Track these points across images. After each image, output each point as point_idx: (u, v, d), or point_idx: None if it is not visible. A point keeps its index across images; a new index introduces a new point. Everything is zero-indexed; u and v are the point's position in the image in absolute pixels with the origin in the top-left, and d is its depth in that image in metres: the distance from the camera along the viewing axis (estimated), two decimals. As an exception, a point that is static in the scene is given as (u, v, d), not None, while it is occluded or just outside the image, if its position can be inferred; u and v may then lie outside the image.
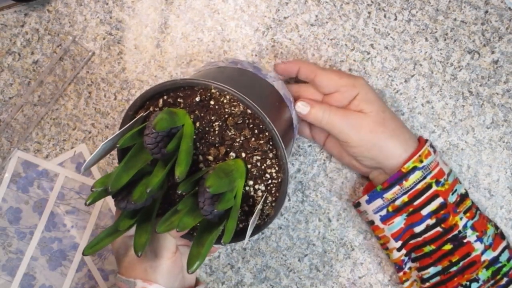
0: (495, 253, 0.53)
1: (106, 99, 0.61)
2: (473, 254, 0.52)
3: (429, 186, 0.51)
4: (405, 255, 0.55)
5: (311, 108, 0.51)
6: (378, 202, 0.53)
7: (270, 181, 0.46)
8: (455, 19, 0.58)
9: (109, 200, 0.61)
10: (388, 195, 0.52)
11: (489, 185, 0.59)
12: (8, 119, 0.62)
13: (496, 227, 0.56)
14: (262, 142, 0.46)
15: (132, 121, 0.46)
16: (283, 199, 0.47)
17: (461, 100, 0.58)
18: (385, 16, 0.59)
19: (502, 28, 0.58)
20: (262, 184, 0.47)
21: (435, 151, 0.53)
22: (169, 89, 0.46)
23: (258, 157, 0.46)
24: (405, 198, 0.52)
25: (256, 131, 0.46)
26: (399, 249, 0.55)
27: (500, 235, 0.55)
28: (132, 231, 0.48)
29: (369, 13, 0.59)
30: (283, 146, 0.45)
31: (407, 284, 0.56)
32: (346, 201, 0.60)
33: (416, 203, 0.52)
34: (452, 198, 0.52)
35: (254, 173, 0.46)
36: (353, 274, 0.60)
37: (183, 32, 0.60)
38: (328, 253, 0.60)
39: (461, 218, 0.52)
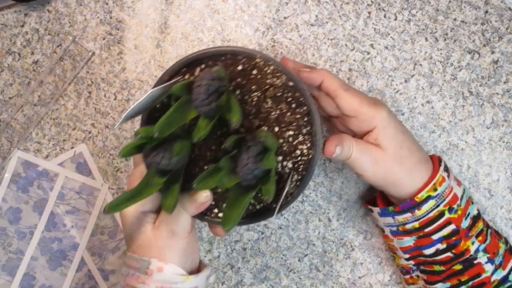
0: (505, 272, 0.52)
1: (106, 99, 0.61)
2: (483, 275, 0.51)
3: (441, 214, 0.50)
4: (413, 265, 0.55)
5: (342, 150, 0.49)
6: (389, 219, 0.53)
7: (299, 158, 0.46)
8: (455, 19, 0.58)
9: (109, 200, 0.61)
10: (399, 218, 0.52)
11: (489, 185, 0.59)
12: (8, 119, 0.62)
13: (506, 242, 0.54)
14: (298, 116, 0.46)
15: (173, 80, 0.46)
16: (310, 178, 0.46)
17: (461, 100, 0.58)
18: (385, 16, 0.59)
19: (502, 28, 0.58)
20: (291, 161, 0.46)
21: (448, 175, 0.52)
22: (210, 57, 0.46)
23: (291, 132, 0.46)
24: (415, 224, 0.51)
25: (293, 105, 0.46)
26: (407, 259, 0.54)
27: (509, 251, 0.54)
28: (146, 206, 0.47)
29: (369, 13, 0.59)
30: (319, 121, 0.45)
31: (413, 287, 0.56)
32: (346, 201, 0.60)
33: (427, 230, 0.51)
34: (465, 224, 0.51)
35: (284, 148, 0.46)
36: (353, 274, 0.60)
37: (183, 32, 0.60)
38: (328, 253, 0.60)
39: (473, 243, 0.51)
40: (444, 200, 0.50)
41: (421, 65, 0.59)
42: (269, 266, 0.61)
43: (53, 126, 0.62)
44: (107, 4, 0.61)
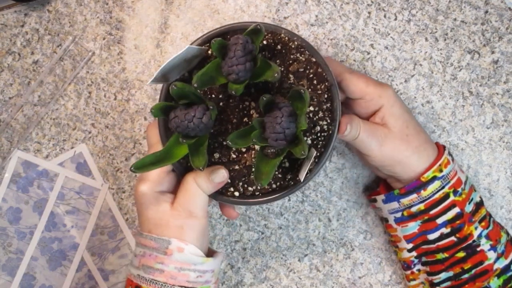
0: (507, 261, 0.52)
1: (106, 99, 0.61)
2: (486, 263, 0.51)
3: (446, 196, 0.51)
4: (415, 257, 0.55)
5: (350, 128, 0.49)
6: (394, 204, 0.53)
7: (319, 134, 0.47)
8: (455, 19, 0.58)
9: (109, 200, 0.61)
10: (405, 200, 0.52)
11: (489, 185, 0.58)
12: (8, 119, 0.62)
13: (508, 234, 0.55)
14: (319, 92, 0.47)
15: (207, 45, 0.48)
16: (329, 154, 0.47)
17: (461, 100, 0.58)
18: (385, 16, 0.59)
19: (502, 28, 0.58)
20: (310, 138, 0.47)
21: (453, 159, 0.52)
22: (236, 31, 0.48)
23: (312, 108, 0.47)
24: (421, 206, 0.51)
25: (314, 81, 0.47)
26: (409, 251, 0.54)
27: (511, 242, 0.54)
28: (164, 186, 0.47)
29: (369, 13, 0.59)
30: (339, 98, 0.47)
31: (413, 283, 0.56)
32: (346, 201, 0.60)
33: (432, 212, 0.51)
34: (469, 208, 0.52)
35: None
36: (353, 274, 0.60)
37: (183, 32, 0.60)
38: (328, 253, 0.60)
39: (476, 228, 0.51)
40: (449, 182, 0.51)
41: (421, 65, 0.59)
42: (269, 266, 0.61)
43: (53, 126, 0.62)
44: (107, 4, 0.61)
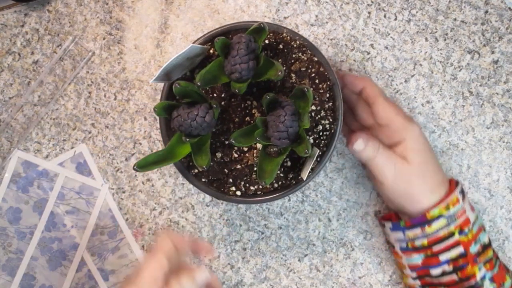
0: None
1: (106, 99, 0.61)
2: None
3: (451, 235, 0.50)
4: (420, 286, 0.54)
5: (366, 146, 0.50)
6: (400, 234, 0.53)
7: (321, 133, 0.47)
8: (455, 19, 0.58)
9: (109, 200, 0.61)
10: (410, 233, 0.52)
11: (489, 185, 0.59)
12: (8, 119, 0.62)
13: None
14: (321, 92, 0.47)
15: (208, 45, 0.48)
16: (331, 153, 0.48)
17: (461, 100, 0.58)
18: (385, 16, 0.59)
19: (502, 28, 0.58)
20: (312, 137, 0.47)
21: (463, 197, 0.52)
22: (237, 30, 0.49)
23: (314, 107, 0.47)
24: (424, 241, 0.51)
25: (316, 80, 0.47)
26: (414, 279, 0.54)
27: None
28: (167, 267, 0.44)
29: (369, 13, 0.59)
30: (341, 97, 0.47)
31: None
32: (346, 201, 0.60)
33: (435, 249, 0.51)
34: (474, 249, 0.51)
35: None
36: (353, 274, 0.60)
37: (183, 32, 0.60)
38: (328, 253, 0.60)
39: (479, 269, 0.51)
40: (456, 221, 0.50)
41: (421, 65, 0.59)
42: (269, 266, 0.61)
43: (53, 126, 0.62)
44: (107, 4, 0.61)
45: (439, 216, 0.50)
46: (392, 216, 0.56)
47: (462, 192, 0.52)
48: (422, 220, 0.51)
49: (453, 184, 0.53)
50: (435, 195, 0.51)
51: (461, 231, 0.51)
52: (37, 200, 0.62)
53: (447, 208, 0.50)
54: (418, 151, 0.51)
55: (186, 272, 0.44)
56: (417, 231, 0.51)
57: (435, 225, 0.50)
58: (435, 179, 0.52)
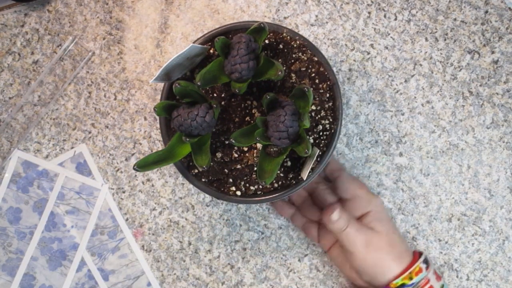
0: None
1: (106, 99, 0.61)
2: None
3: None
4: None
5: (340, 217, 0.51)
6: None
7: (321, 133, 0.47)
8: (455, 19, 0.58)
9: (109, 200, 0.61)
10: None
11: (489, 185, 0.59)
12: (8, 119, 0.62)
13: None
14: (321, 91, 0.47)
15: (209, 44, 0.49)
16: (331, 153, 0.48)
17: (461, 100, 0.58)
18: (385, 16, 0.59)
19: (502, 28, 0.58)
20: (312, 137, 0.47)
21: (427, 267, 0.53)
22: (237, 30, 0.49)
23: (314, 107, 0.47)
24: None
25: (316, 80, 0.47)
26: None
27: None
28: None
29: (369, 13, 0.59)
30: (341, 96, 0.47)
31: None
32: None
33: None
34: None
35: None
36: (353, 274, 0.60)
37: (183, 32, 0.60)
38: (328, 253, 0.60)
39: None
40: None
41: (421, 65, 0.59)
42: (269, 266, 0.61)
43: (53, 126, 0.62)
44: (107, 4, 0.61)
45: (402, 286, 0.51)
46: None
47: (426, 261, 0.54)
48: None
49: (416, 254, 0.54)
50: (399, 266, 0.52)
51: None
52: (37, 200, 0.62)
53: (410, 278, 0.51)
54: (384, 222, 0.54)
55: None
56: None
57: None
58: (401, 248, 0.54)
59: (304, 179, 0.46)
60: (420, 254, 0.54)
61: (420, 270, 0.52)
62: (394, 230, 0.55)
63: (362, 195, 0.54)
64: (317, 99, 0.48)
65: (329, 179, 0.57)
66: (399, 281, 0.51)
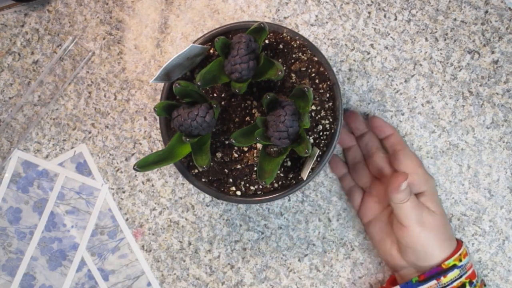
0: None
1: (106, 99, 0.61)
2: None
3: (463, 286, 0.52)
4: None
5: (405, 188, 0.51)
6: None
7: (321, 133, 0.47)
8: (455, 19, 0.58)
9: (109, 200, 0.61)
10: (424, 287, 0.52)
11: (489, 185, 0.59)
12: (8, 119, 0.62)
13: None
14: (321, 91, 0.47)
15: (209, 44, 0.49)
16: (331, 153, 0.48)
17: (461, 100, 0.58)
18: (385, 16, 0.59)
19: (502, 28, 0.58)
20: (312, 137, 0.47)
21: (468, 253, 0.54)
22: (237, 30, 0.49)
23: (314, 107, 0.47)
24: None
25: (316, 80, 0.47)
26: None
27: None
28: None
29: (369, 13, 0.59)
30: (341, 96, 0.47)
31: None
32: (346, 201, 0.60)
33: None
34: None
35: None
36: (353, 274, 0.60)
37: (183, 32, 0.60)
38: (328, 253, 0.60)
39: None
40: (466, 272, 0.52)
41: (421, 65, 0.59)
42: (269, 266, 0.61)
43: (53, 126, 0.62)
44: (107, 4, 0.61)
45: (453, 266, 0.52)
46: (393, 279, 0.57)
47: (467, 248, 0.55)
48: (438, 271, 0.52)
49: (459, 240, 0.55)
50: (448, 249, 0.53)
51: (470, 283, 0.52)
52: (37, 200, 0.62)
53: (460, 259, 0.52)
54: (438, 203, 0.54)
55: None
56: (432, 283, 0.52)
57: (450, 275, 0.51)
58: (450, 231, 0.54)
59: (304, 179, 0.46)
60: (462, 241, 0.55)
61: (467, 254, 0.53)
62: (445, 213, 0.55)
63: (420, 173, 0.54)
64: (317, 99, 0.48)
65: (387, 150, 0.57)
66: (451, 262, 0.52)
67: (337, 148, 0.59)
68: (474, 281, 0.53)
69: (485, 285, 0.55)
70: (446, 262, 0.52)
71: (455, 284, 0.52)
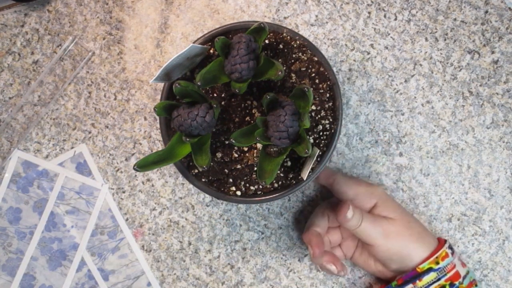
0: None
1: (106, 99, 0.61)
2: None
3: None
4: None
5: (354, 214, 0.51)
6: None
7: (321, 133, 0.47)
8: (455, 19, 0.58)
9: (109, 200, 0.61)
10: None
11: (489, 185, 0.59)
12: (8, 119, 0.62)
13: None
14: (321, 91, 0.47)
15: (208, 44, 0.49)
16: (331, 153, 0.48)
17: (461, 100, 0.58)
18: (385, 16, 0.59)
19: (502, 28, 0.58)
20: (312, 137, 0.47)
21: (453, 253, 0.53)
22: (237, 30, 0.49)
23: (314, 107, 0.47)
24: None
25: (316, 80, 0.47)
26: None
27: None
28: None
29: (369, 13, 0.59)
30: (341, 96, 0.47)
31: None
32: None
33: None
34: None
35: None
36: (353, 274, 0.60)
37: (183, 32, 0.60)
38: (328, 253, 0.60)
39: None
40: (446, 275, 0.52)
41: (421, 65, 0.59)
42: (269, 266, 0.61)
43: (53, 126, 0.62)
44: (107, 4, 0.61)
45: (428, 270, 0.51)
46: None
47: (451, 248, 0.54)
48: (413, 274, 0.52)
49: (441, 241, 0.54)
50: (425, 250, 0.52)
51: (452, 285, 0.52)
52: (37, 200, 0.62)
53: (437, 262, 0.52)
54: (394, 207, 0.54)
55: None
56: (409, 286, 0.52)
57: (426, 278, 0.51)
58: (419, 229, 0.54)
59: (304, 179, 0.46)
60: (445, 241, 0.54)
61: (447, 255, 0.52)
62: (406, 213, 0.54)
63: (362, 190, 0.54)
64: (317, 99, 0.48)
65: (327, 188, 0.58)
66: (425, 265, 0.51)
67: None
68: (456, 282, 0.52)
69: (476, 285, 0.54)
70: (420, 266, 0.51)
71: (432, 287, 0.52)
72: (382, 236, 0.51)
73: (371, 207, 0.54)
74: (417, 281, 0.51)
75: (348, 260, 0.59)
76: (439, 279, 0.51)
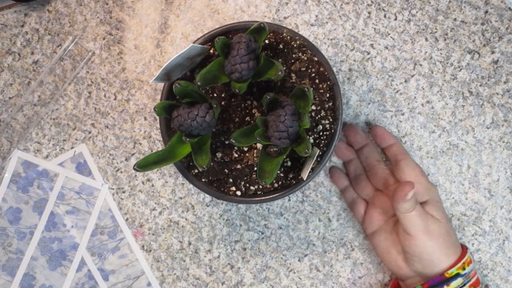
0: None
1: (106, 99, 0.61)
2: None
3: None
4: None
5: (411, 197, 0.51)
6: None
7: (321, 133, 0.47)
8: (455, 19, 0.58)
9: (109, 200, 0.61)
10: None
11: (489, 185, 0.59)
12: (8, 119, 0.62)
13: None
14: (321, 91, 0.47)
15: (209, 44, 0.49)
16: (331, 153, 0.48)
17: (461, 100, 0.58)
18: (385, 16, 0.59)
19: (502, 28, 0.58)
20: (312, 137, 0.47)
21: (472, 260, 0.54)
22: (237, 30, 0.49)
23: (314, 107, 0.47)
24: None
25: (316, 80, 0.47)
26: None
27: None
28: None
29: (369, 13, 0.59)
30: (341, 96, 0.47)
31: None
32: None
33: None
34: None
35: None
36: (353, 274, 0.60)
37: (183, 32, 0.60)
38: (328, 253, 0.60)
39: None
40: (470, 280, 0.52)
41: (421, 65, 0.59)
42: (269, 266, 0.61)
43: (53, 126, 0.62)
44: (107, 4, 0.61)
45: (456, 275, 0.51)
46: (396, 284, 0.56)
47: (471, 254, 0.54)
48: (441, 280, 0.51)
49: (464, 247, 0.54)
50: (452, 256, 0.52)
51: None
52: (37, 200, 0.62)
53: (463, 268, 0.52)
54: (442, 211, 0.54)
55: None
56: None
57: (453, 284, 0.51)
58: (455, 238, 0.54)
59: (304, 179, 0.46)
60: (467, 247, 0.54)
61: (471, 261, 0.53)
62: (449, 220, 0.54)
63: (423, 182, 0.54)
64: (317, 99, 0.48)
65: (388, 159, 0.57)
66: (454, 271, 0.51)
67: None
68: None
69: None
70: (449, 271, 0.51)
71: None
72: (426, 231, 0.51)
73: (422, 201, 0.54)
74: (445, 286, 0.51)
75: (362, 229, 0.58)
76: (464, 285, 0.51)
